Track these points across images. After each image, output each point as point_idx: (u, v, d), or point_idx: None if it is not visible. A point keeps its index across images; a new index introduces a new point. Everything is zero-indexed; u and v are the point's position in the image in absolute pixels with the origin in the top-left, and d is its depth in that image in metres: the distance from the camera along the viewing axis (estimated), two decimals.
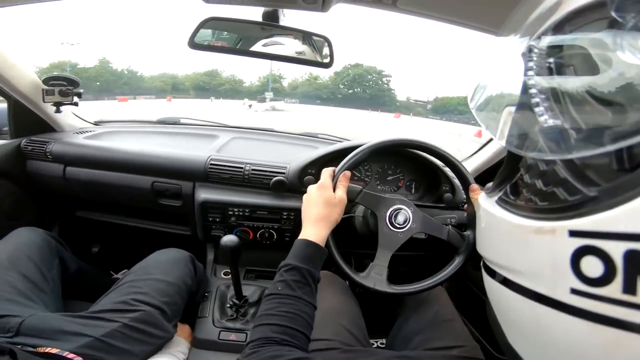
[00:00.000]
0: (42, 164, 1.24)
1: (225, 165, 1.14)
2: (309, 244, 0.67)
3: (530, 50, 0.34)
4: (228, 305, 1.02)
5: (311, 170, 1.13)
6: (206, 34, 0.92)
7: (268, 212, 1.12)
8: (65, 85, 1.21)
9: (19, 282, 0.80)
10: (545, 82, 0.33)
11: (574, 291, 0.29)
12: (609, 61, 0.29)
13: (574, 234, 0.29)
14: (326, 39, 0.93)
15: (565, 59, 0.32)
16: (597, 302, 0.28)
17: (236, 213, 1.12)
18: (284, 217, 1.13)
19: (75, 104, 1.27)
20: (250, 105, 29.88)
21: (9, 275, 0.80)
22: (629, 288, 0.26)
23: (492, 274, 0.40)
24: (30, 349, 0.65)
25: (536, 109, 0.32)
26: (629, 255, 0.26)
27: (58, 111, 1.25)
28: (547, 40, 0.33)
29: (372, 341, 1.04)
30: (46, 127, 1.32)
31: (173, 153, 1.19)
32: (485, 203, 0.42)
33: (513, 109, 0.36)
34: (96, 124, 1.54)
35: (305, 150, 1.26)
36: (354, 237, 0.97)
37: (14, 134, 1.28)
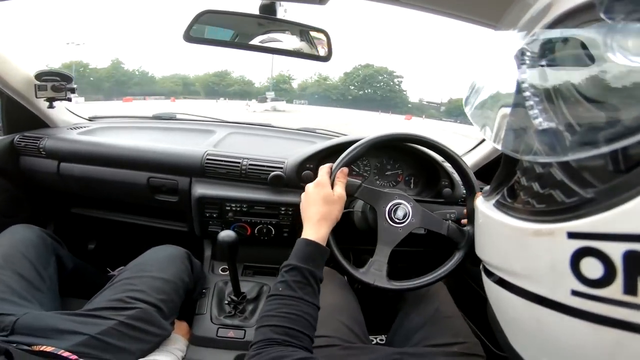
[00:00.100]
0: (36, 160, 1.23)
1: (222, 160, 1.13)
2: (310, 243, 0.67)
3: (522, 52, 0.34)
4: (226, 302, 1.01)
5: (309, 165, 1.12)
6: (202, 28, 0.90)
7: (266, 207, 1.12)
8: (58, 81, 1.19)
9: (14, 281, 0.79)
10: (538, 84, 0.32)
11: (575, 293, 0.29)
12: (601, 63, 0.28)
13: (572, 235, 0.29)
14: (324, 33, 0.91)
15: (558, 60, 0.32)
16: (598, 304, 0.28)
17: (233, 208, 1.11)
18: (282, 212, 1.12)
19: (69, 100, 1.25)
20: (248, 105, 29.43)
21: (3, 274, 0.79)
22: (629, 289, 0.26)
23: (492, 276, 0.40)
24: (26, 347, 0.65)
25: (530, 112, 0.32)
26: (629, 256, 0.26)
27: (51, 107, 1.23)
28: (539, 42, 0.33)
29: (371, 337, 1.04)
30: (40, 123, 1.30)
31: (169, 148, 1.17)
32: (483, 206, 0.42)
33: (507, 111, 0.36)
34: (90, 119, 1.53)
35: (303, 145, 1.25)
36: (352, 232, 0.97)
37: (7, 130, 1.27)
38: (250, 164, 1.12)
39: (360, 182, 0.84)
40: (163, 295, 0.84)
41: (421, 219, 0.85)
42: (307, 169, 1.11)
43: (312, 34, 0.92)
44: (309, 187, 0.77)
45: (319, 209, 0.72)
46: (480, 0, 0.71)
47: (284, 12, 0.88)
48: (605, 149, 0.27)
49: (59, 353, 0.65)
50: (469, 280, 1.31)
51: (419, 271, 0.87)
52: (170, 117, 1.64)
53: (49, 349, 0.65)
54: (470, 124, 0.39)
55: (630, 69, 0.27)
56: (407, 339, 0.84)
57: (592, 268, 0.28)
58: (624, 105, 0.27)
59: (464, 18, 0.76)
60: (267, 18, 0.86)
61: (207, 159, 1.13)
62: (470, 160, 1.30)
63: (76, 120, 1.45)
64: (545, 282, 0.32)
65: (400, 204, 0.84)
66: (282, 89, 66.28)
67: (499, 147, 0.36)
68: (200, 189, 1.12)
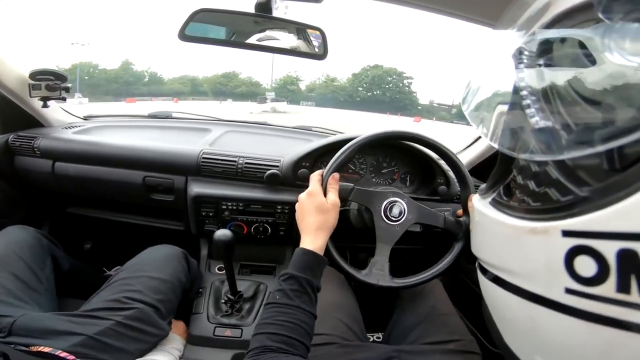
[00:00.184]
0: (30, 160, 1.22)
1: (218, 159, 1.12)
2: (307, 252, 0.67)
3: (520, 52, 0.34)
4: (223, 301, 1.01)
5: (305, 163, 1.12)
6: (198, 26, 0.90)
7: (262, 206, 1.11)
8: (52, 80, 1.18)
9: (10, 283, 0.79)
10: (535, 83, 0.32)
11: (569, 291, 0.29)
12: (598, 62, 0.29)
13: (567, 234, 0.29)
14: (320, 31, 0.91)
15: (555, 60, 0.32)
16: (592, 302, 0.28)
17: (230, 207, 1.11)
18: (279, 210, 1.12)
19: (63, 99, 1.24)
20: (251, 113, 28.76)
21: None
22: (622, 287, 0.26)
23: (487, 274, 0.40)
24: (23, 348, 0.65)
25: (527, 111, 0.32)
26: (622, 254, 0.26)
27: (45, 106, 1.22)
28: (537, 41, 0.33)
29: (368, 335, 1.05)
30: (34, 122, 1.29)
31: (165, 147, 1.17)
32: (479, 204, 0.42)
33: (504, 110, 0.36)
34: (85, 118, 1.51)
35: (299, 144, 1.25)
36: (349, 231, 0.97)
37: (1, 129, 1.25)
38: (246, 163, 1.12)
39: (352, 185, 0.84)
40: (160, 295, 0.83)
41: (417, 214, 0.85)
42: (303, 167, 1.11)
43: (308, 32, 0.92)
44: (302, 197, 0.77)
45: (314, 218, 0.72)
46: None
47: (285, 8, 0.88)
48: (601, 148, 0.27)
49: (56, 354, 0.64)
50: (465, 278, 1.31)
51: (416, 269, 0.87)
52: (166, 116, 1.63)
53: (46, 349, 0.65)
54: None
55: (627, 69, 0.27)
56: (404, 337, 0.84)
57: (586, 266, 0.28)
58: (620, 105, 0.27)
59: (463, 17, 0.76)
60: (263, 16, 0.86)
61: (203, 158, 1.12)
62: (466, 158, 1.30)
63: (71, 120, 1.44)
64: (539, 280, 0.32)
65: (395, 201, 0.84)
66: (289, 90, 65.25)
67: (496, 145, 0.36)
68: (196, 188, 1.11)
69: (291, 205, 1.10)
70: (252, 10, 0.85)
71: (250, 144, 1.29)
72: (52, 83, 1.18)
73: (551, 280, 0.31)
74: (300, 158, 1.11)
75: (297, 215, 0.76)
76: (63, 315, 0.74)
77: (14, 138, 1.21)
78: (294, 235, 1.16)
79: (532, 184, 0.35)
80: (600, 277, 0.27)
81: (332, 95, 65.08)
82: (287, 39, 0.91)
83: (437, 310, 0.86)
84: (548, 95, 0.31)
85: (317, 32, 0.91)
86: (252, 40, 0.91)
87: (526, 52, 0.34)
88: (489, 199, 0.41)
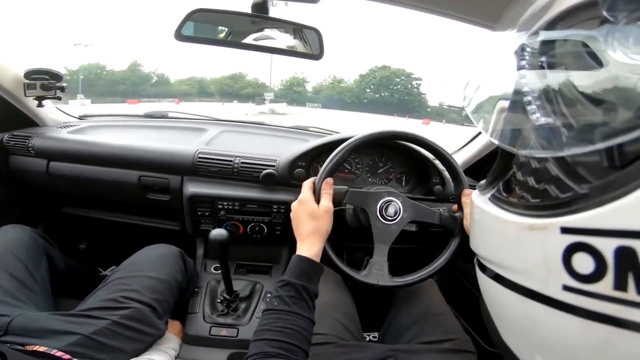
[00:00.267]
0: (25, 160, 1.21)
1: (214, 159, 1.12)
2: (303, 259, 0.68)
3: (522, 48, 0.34)
4: (218, 301, 1.01)
5: (301, 163, 1.12)
6: (194, 26, 0.89)
7: (258, 205, 1.11)
8: (47, 79, 1.17)
9: (6, 282, 0.78)
10: (537, 80, 0.33)
11: (566, 288, 0.29)
12: (601, 60, 0.29)
13: (565, 230, 0.29)
14: (316, 31, 0.91)
15: (558, 57, 0.32)
16: (589, 299, 0.28)
17: (225, 207, 1.11)
18: (274, 210, 1.12)
19: (58, 98, 1.23)
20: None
21: None
22: (619, 284, 0.26)
23: (486, 270, 0.40)
24: (19, 347, 0.65)
25: (528, 107, 0.32)
26: (620, 252, 0.26)
27: (40, 105, 1.21)
28: (540, 38, 0.33)
29: (365, 334, 1.05)
30: (29, 121, 1.28)
31: (160, 146, 1.16)
32: (478, 200, 0.42)
33: (505, 107, 0.36)
34: (81, 118, 1.50)
35: (295, 143, 1.25)
36: (345, 230, 0.97)
37: None
38: (242, 162, 1.12)
39: (346, 188, 0.85)
40: (157, 294, 0.83)
41: (412, 212, 0.85)
42: (299, 166, 1.11)
43: (305, 32, 0.92)
44: (294, 205, 0.78)
45: (307, 225, 0.73)
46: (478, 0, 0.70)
47: (284, 6, 0.88)
48: (601, 146, 0.27)
49: (52, 353, 0.64)
50: (460, 277, 1.32)
51: (413, 268, 0.87)
52: (162, 116, 1.63)
53: (42, 348, 0.64)
54: None
55: (630, 67, 0.27)
56: (399, 336, 0.85)
57: (583, 263, 0.28)
58: (621, 103, 0.27)
59: (460, 18, 0.76)
60: (259, 16, 0.86)
61: (199, 158, 1.12)
62: (462, 157, 1.31)
63: (66, 119, 1.43)
64: (537, 277, 0.32)
65: (390, 201, 0.84)
66: (295, 92, 64.80)
67: (496, 141, 0.37)
68: (192, 188, 1.11)
69: (287, 204, 1.10)
70: (248, 10, 0.86)
71: (246, 143, 1.29)
72: (47, 82, 1.17)
73: (549, 277, 0.31)
74: (296, 158, 1.11)
75: (293, 223, 0.77)
76: (59, 314, 0.74)
77: (9, 137, 1.20)
78: (290, 235, 1.16)
79: (531, 181, 0.35)
80: (597, 275, 0.27)
81: (339, 97, 64.30)
82: (284, 39, 0.91)
83: (431, 310, 0.87)
84: (549, 93, 0.31)
85: (313, 32, 0.92)
86: (249, 40, 0.90)
87: (528, 50, 0.34)
88: (489, 195, 0.42)
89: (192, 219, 1.13)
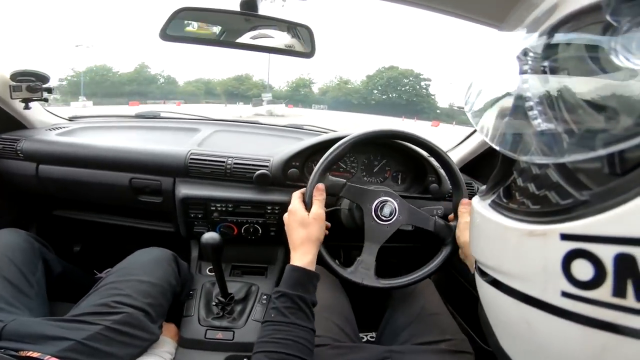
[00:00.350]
0: (14, 163, 1.18)
1: (206, 160, 1.11)
2: (297, 269, 0.68)
3: (525, 53, 0.34)
4: (214, 303, 1.00)
5: (295, 163, 1.11)
6: (185, 25, 0.87)
7: (252, 206, 1.10)
8: (33, 81, 1.14)
9: (1, 287, 0.77)
10: (539, 85, 0.32)
11: (565, 294, 0.29)
12: (603, 65, 0.28)
13: (565, 237, 0.29)
14: (307, 28, 0.90)
15: (560, 62, 0.32)
16: (588, 305, 0.28)
17: (219, 208, 1.09)
18: (269, 211, 1.11)
19: (45, 100, 1.21)
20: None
21: None
22: (619, 291, 0.26)
23: (485, 276, 0.40)
24: (13, 353, 0.64)
25: (530, 113, 0.32)
26: (619, 259, 0.26)
27: (27, 107, 1.19)
28: (542, 43, 0.32)
29: (361, 335, 1.05)
30: (17, 124, 1.25)
31: (151, 148, 1.15)
32: (479, 206, 0.42)
33: (507, 112, 0.35)
34: (70, 119, 1.48)
35: (289, 142, 1.24)
36: (340, 230, 0.97)
37: None
38: (235, 163, 1.10)
39: (344, 181, 0.84)
40: (150, 299, 0.82)
41: (408, 215, 0.85)
42: (293, 167, 1.10)
43: (297, 29, 0.90)
44: (285, 217, 0.78)
45: (298, 234, 0.73)
46: None
47: (282, 1, 0.86)
48: (602, 152, 0.27)
49: (45, 359, 0.64)
50: (458, 276, 1.32)
51: (410, 267, 0.87)
52: (154, 116, 1.61)
53: (35, 354, 0.64)
54: None
55: (633, 73, 0.27)
56: (396, 337, 0.85)
57: (582, 270, 0.28)
58: (624, 109, 0.27)
59: (467, 17, 0.75)
60: (248, 14, 0.84)
61: (191, 159, 1.10)
62: (457, 155, 1.31)
63: (55, 121, 1.40)
64: (536, 283, 0.32)
65: (386, 201, 0.84)
66: (301, 93, 63.95)
67: (497, 147, 0.36)
68: (184, 190, 1.10)
69: (281, 205, 1.09)
70: (237, 8, 0.84)
71: (239, 143, 1.27)
72: (33, 84, 1.14)
73: (548, 283, 0.31)
74: (290, 157, 1.10)
75: (286, 234, 0.77)
76: (52, 320, 0.73)
77: None
78: (285, 236, 1.15)
79: (532, 187, 0.35)
80: (596, 281, 0.27)
81: (345, 98, 63.14)
82: (282, 38, 0.90)
83: (427, 310, 0.87)
84: (551, 99, 0.31)
85: (304, 30, 0.90)
86: (244, 39, 0.89)
87: (531, 54, 0.33)
88: (489, 201, 0.41)
89: (185, 221, 1.12)
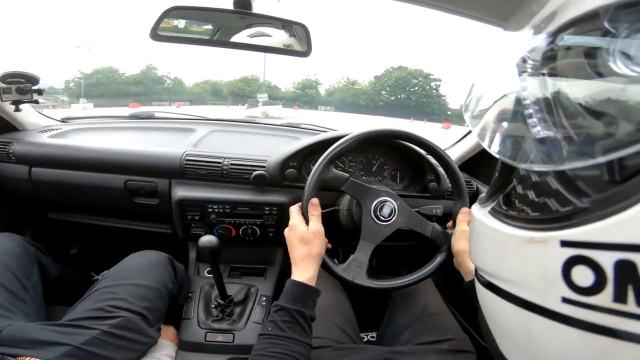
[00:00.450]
0: (6, 166, 1.17)
1: (202, 161, 1.10)
2: (297, 284, 0.68)
3: (524, 60, 0.33)
4: (213, 306, 1.00)
5: (292, 163, 1.10)
6: (175, 24, 0.86)
7: (250, 207, 1.10)
8: (22, 83, 1.12)
9: None
10: (538, 93, 0.32)
11: (565, 300, 0.29)
12: (602, 72, 0.28)
13: (565, 244, 0.29)
14: (304, 27, 0.89)
15: (559, 69, 0.32)
16: (588, 311, 0.28)
17: (216, 210, 1.09)
18: (266, 212, 1.10)
19: (36, 102, 1.19)
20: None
21: None
22: (619, 297, 0.26)
23: (484, 282, 0.40)
24: (10, 358, 0.64)
25: (529, 120, 0.32)
26: (620, 265, 0.26)
27: (17, 110, 1.17)
28: (541, 49, 0.32)
29: (362, 335, 1.05)
30: (8, 126, 1.23)
31: (146, 149, 1.13)
32: (479, 213, 0.42)
33: (506, 119, 0.35)
34: (63, 121, 1.46)
35: (286, 142, 1.23)
36: (339, 230, 0.97)
37: None
38: (231, 164, 1.09)
39: (347, 175, 0.84)
40: (147, 302, 0.82)
41: (407, 218, 0.85)
42: (290, 167, 1.09)
43: (293, 28, 0.89)
44: (285, 232, 0.78)
45: (299, 251, 0.73)
46: None
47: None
48: (601, 159, 0.27)
49: None
50: (458, 276, 1.33)
51: (409, 265, 0.87)
52: (149, 116, 1.59)
53: None
54: None
55: (631, 80, 0.26)
56: (397, 337, 0.85)
57: (583, 276, 0.28)
58: (623, 116, 0.27)
59: (473, 16, 0.75)
60: (242, 13, 0.83)
61: (187, 160, 1.09)
62: (455, 153, 1.31)
63: (47, 122, 1.38)
64: (536, 289, 0.32)
65: (386, 201, 0.84)
66: (307, 95, 62.72)
67: (496, 154, 0.36)
68: (181, 191, 1.09)
69: (279, 206, 1.09)
70: (231, 7, 0.83)
71: (235, 143, 1.26)
72: (23, 86, 1.12)
73: (548, 289, 0.31)
74: (287, 158, 1.09)
75: (288, 249, 0.77)
76: (48, 324, 0.73)
77: None
78: (283, 237, 1.15)
79: (531, 194, 0.35)
80: (597, 287, 0.27)
81: (353, 100, 61.41)
82: (279, 36, 0.89)
83: (428, 310, 0.87)
84: (550, 106, 0.31)
85: (300, 28, 0.89)
86: (241, 37, 0.87)
87: (530, 61, 0.33)
88: (488, 208, 0.41)
89: (182, 223, 1.11)
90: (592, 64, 0.29)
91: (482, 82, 0.41)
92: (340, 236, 0.98)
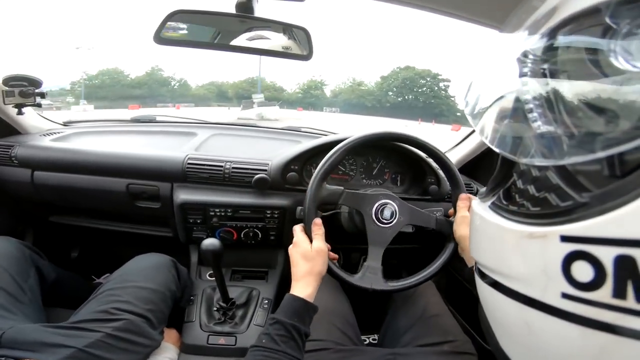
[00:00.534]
0: (8, 170, 1.17)
1: (204, 164, 1.10)
2: (296, 299, 0.68)
3: (525, 55, 0.34)
4: (215, 309, 1.00)
5: (294, 167, 1.10)
6: (179, 28, 0.87)
7: (251, 211, 1.10)
8: (25, 86, 1.13)
9: None
10: (539, 88, 0.32)
11: (565, 295, 0.29)
12: (603, 68, 0.28)
13: (565, 239, 0.29)
14: (305, 30, 0.89)
15: (560, 65, 0.32)
16: (588, 307, 0.28)
17: (218, 213, 1.09)
18: (268, 215, 1.10)
19: (38, 105, 1.19)
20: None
21: None
22: (618, 292, 0.26)
23: (485, 278, 0.40)
24: None
25: (529, 115, 0.32)
26: (619, 260, 0.26)
27: (20, 113, 1.18)
28: (542, 45, 0.32)
29: (364, 337, 1.05)
30: (10, 130, 1.24)
31: (148, 153, 1.14)
32: (479, 208, 0.42)
33: (506, 114, 0.35)
34: (65, 124, 1.47)
35: (287, 145, 1.24)
36: (340, 233, 0.97)
37: None
38: (233, 167, 1.10)
39: (342, 189, 0.84)
40: (150, 305, 0.82)
41: (409, 216, 0.85)
42: (291, 170, 1.10)
43: (294, 31, 0.90)
44: (290, 248, 0.78)
45: (301, 267, 0.74)
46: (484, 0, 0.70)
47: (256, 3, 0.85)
48: (601, 154, 0.27)
49: None
50: (459, 277, 1.32)
51: (411, 268, 0.87)
52: (150, 120, 1.60)
53: None
54: None
55: (632, 75, 0.27)
56: (398, 339, 0.85)
57: (582, 271, 0.28)
58: (623, 111, 0.27)
59: (468, 19, 0.75)
60: (245, 16, 0.84)
61: (189, 164, 1.10)
62: (456, 156, 1.31)
63: (49, 126, 1.39)
64: (536, 285, 0.32)
65: (386, 203, 0.84)
66: (312, 96, 61.83)
67: (497, 149, 0.36)
68: (183, 195, 1.09)
69: (280, 209, 1.09)
70: (233, 10, 0.83)
71: (237, 147, 1.27)
72: (26, 89, 1.13)
73: (548, 284, 0.31)
74: (289, 161, 1.09)
75: (291, 265, 0.77)
76: (51, 327, 0.73)
77: None
78: (285, 240, 1.15)
79: (532, 189, 0.35)
80: (596, 283, 0.27)
81: (359, 101, 59.95)
82: (278, 39, 0.89)
83: (429, 312, 0.87)
84: (551, 101, 0.31)
85: (302, 32, 0.90)
86: (240, 41, 0.88)
87: (531, 57, 0.33)
88: (489, 203, 0.41)
89: (184, 226, 1.11)
90: (593, 59, 0.29)
91: (483, 78, 0.41)
92: (342, 239, 0.98)
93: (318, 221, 0.79)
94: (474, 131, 1.28)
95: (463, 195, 0.85)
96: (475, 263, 0.44)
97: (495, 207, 0.39)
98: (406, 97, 57.86)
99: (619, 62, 0.27)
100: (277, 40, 0.90)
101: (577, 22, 0.30)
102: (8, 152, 1.15)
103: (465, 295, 1.26)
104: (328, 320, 0.84)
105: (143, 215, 1.22)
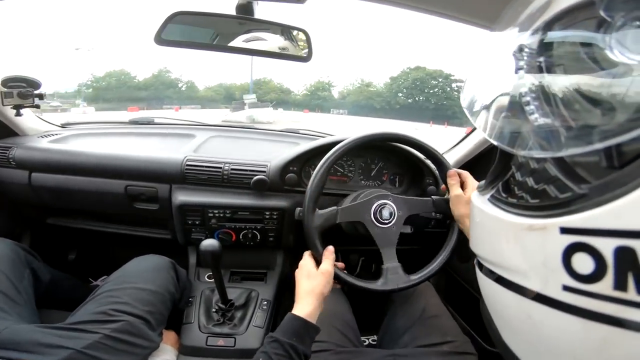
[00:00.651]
0: (6, 171, 1.17)
1: (202, 166, 1.10)
2: (297, 318, 0.68)
3: (520, 49, 0.34)
4: (214, 310, 0.99)
5: (293, 168, 1.10)
6: (179, 29, 0.87)
7: (250, 212, 1.10)
8: (24, 87, 1.13)
9: None
10: (535, 81, 0.32)
11: (566, 288, 0.29)
12: (598, 60, 0.29)
13: (564, 231, 0.29)
14: (304, 32, 0.90)
15: (556, 58, 0.32)
16: (589, 299, 0.28)
17: (216, 215, 1.09)
18: (267, 216, 1.10)
19: (37, 106, 1.19)
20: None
21: None
22: (619, 284, 0.26)
23: (485, 271, 0.40)
24: None
25: (527, 108, 0.32)
26: (619, 252, 0.26)
27: (18, 114, 1.17)
28: (538, 39, 0.33)
29: (363, 338, 1.04)
30: (8, 131, 1.24)
31: (147, 154, 1.14)
32: (478, 201, 0.42)
33: (504, 107, 0.36)
34: (63, 126, 1.46)
35: (286, 147, 1.24)
36: (339, 234, 0.97)
37: None
38: (232, 169, 1.10)
39: (335, 208, 0.84)
40: (149, 306, 0.82)
41: (407, 207, 0.86)
42: (290, 171, 1.10)
43: (293, 33, 0.91)
44: (296, 272, 0.79)
45: (303, 286, 0.74)
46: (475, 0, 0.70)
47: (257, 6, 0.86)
48: (599, 146, 0.27)
49: None
50: (458, 278, 1.32)
51: (410, 268, 0.87)
52: (148, 122, 1.60)
53: None
54: None
55: (627, 68, 0.27)
56: (397, 340, 0.85)
57: (583, 263, 0.28)
58: (620, 103, 0.27)
59: (459, 19, 0.76)
60: (245, 18, 0.84)
61: (187, 165, 1.09)
62: (455, 155, 1.31)
63: (47, 128, 1.39)
64: (537, 277, 0.32)
65: (382, 204, 0.84)
66: (320, 97, 60.79)
67: (495, 142, 0.36)
68: (181, 196, 1.09)
69: (279, 211, 1.09)
70: (233, 12, 0.84)
71: (235, 148, 1.27)
72: (24, 90, 1.13)
73: (548, 277, 0.31)
74: (288, 162, 1.09)
75: (295, 285, 0.77)
76: (49, 327, 0.72)
77: None
78: (284, 241, 1.15)
79: (530, 181, 0.35)
80: (597, 275, 0.27)
81: (367, 102, 58.09)
82: (276, 43, 0.90)
83: (428, 312, 0.87)
84: (548, 94, 0.31)
85: (301, 34, 0.91)
86: (238, 42, 0.89)
87: (527, 50, 0.34)
88: (488, 196, 0.42)
89: (183, 228, 1.11)
90: (588, 52, 0.29)
91: (480, 73, 0.41)
92: (341, 240, 0.98)
93: (331, 248, 0.80)
94: (472, 131, 1.28)
95: (451, 172, 0.86)
96: (476, 256, 0.44)
97: (495, 200, 0.40)
98: (417, 98, 55.85)
99: (614, 55, 0.27)
100: (274, 42, 0.91)
101: (571, 15, 0.30)
102: (6, 153, 1.15)
103: (464, 296, 1.26)
104: (328, 322, 0.83)
105: (141, 217, 1.22)
